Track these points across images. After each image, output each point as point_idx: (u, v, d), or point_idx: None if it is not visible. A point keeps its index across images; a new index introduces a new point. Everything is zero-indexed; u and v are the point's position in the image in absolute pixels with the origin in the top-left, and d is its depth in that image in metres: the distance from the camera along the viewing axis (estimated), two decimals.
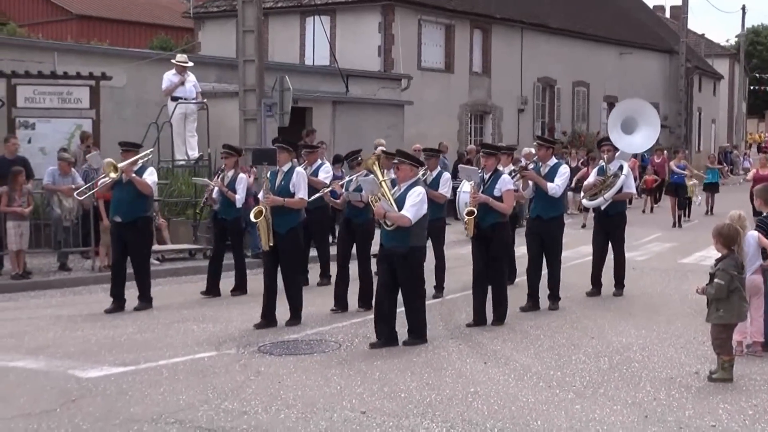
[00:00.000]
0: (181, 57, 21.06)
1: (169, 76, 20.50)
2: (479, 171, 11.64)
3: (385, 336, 10.21)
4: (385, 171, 11.50)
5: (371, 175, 10.68)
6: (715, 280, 8.71)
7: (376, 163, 10.75)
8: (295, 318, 11.51)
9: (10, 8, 44.54)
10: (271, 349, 10.14)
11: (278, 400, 8.04)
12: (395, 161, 10.70)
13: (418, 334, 10.32)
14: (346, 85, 26.00)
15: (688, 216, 26.13)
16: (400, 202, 10.13)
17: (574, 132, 38.56)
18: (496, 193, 11.29)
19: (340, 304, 12.39)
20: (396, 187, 10.45)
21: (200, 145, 20.53)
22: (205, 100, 20.96)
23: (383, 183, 10.40)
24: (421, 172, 13.25)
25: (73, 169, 15.70)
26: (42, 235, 15.90)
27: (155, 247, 16.74)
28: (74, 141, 18.18)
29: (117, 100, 20.92)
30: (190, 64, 21.02)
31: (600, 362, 9.47)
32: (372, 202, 10.33)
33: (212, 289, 13.78)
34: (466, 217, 11.28)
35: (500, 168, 12.08)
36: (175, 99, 20.31)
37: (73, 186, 15.11)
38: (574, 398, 8.14)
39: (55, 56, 20.19)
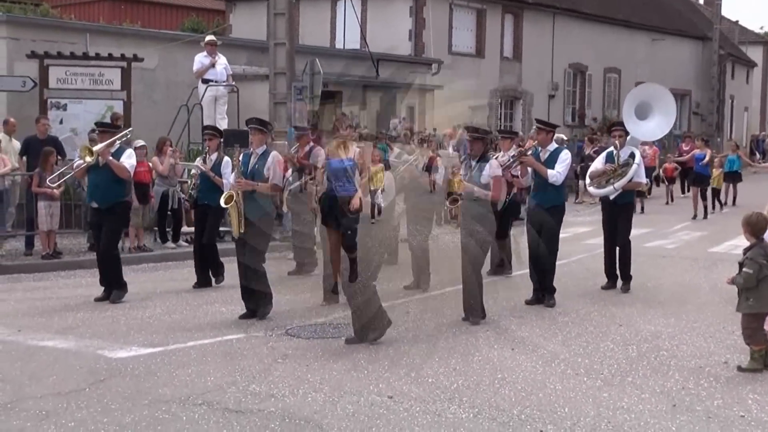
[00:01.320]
0: (210, 37, 21.10)
1: (201, 58, 20.54)
2: (462, 157, 10.90)
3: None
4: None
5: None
6: (744, 269, 8.64)
7: (341, 147, 9.81)
8: (263, 311, 10.81)
9: None
10: (298, 332, 10.16)
11: (305, 384, 8.06)
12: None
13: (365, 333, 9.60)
14: (376, 69, 25.96)
15: (721, 207, 24.78)
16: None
17: (604, 118, 38.31)
18: (483, 180, 10.56)
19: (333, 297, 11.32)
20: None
21: None
22: (234, 83, 21.00)
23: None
24: (413, 158, 12.98)
25: None
26: (72, 215, 16.02)
27: (184, 228, 16.82)
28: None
29: (148, 82, 21.05)
30: (217, 40, 21.04)
31: (628, 350, 9.42)
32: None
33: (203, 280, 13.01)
34: (448, 205, 10.62)
35: (501, 152, 11.63)
36: (205, 81, 20.35)
37: None
38: (602, 386, 8.10)
39: (87, 37, 20.33)
